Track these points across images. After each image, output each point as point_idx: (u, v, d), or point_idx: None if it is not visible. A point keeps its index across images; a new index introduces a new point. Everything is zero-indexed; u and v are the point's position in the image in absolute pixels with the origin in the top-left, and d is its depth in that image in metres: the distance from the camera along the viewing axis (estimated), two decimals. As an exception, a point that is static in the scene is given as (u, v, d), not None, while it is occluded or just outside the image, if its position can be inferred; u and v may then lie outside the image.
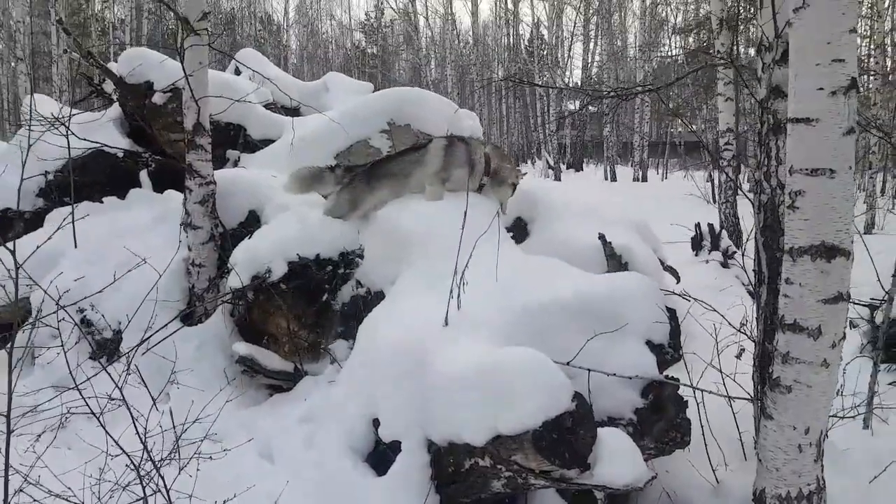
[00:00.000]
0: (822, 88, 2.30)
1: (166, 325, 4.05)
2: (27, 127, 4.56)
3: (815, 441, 2.61)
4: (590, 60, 26.40)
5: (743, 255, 3.71)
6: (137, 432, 2.51)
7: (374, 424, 3.13)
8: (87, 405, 2.61)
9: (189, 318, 4.32)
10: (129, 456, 2.52)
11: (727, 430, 3.44)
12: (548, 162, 23.46)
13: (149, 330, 4.06)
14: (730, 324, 3.44)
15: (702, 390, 2.92)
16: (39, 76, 18.97)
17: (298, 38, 35.52)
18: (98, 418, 2.55)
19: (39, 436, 3.24)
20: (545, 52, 24.41)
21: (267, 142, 5.71)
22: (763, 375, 3.28)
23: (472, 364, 2.72)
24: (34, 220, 5.32)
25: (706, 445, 3.22)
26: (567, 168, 26.88)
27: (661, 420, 2.98)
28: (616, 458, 2.58)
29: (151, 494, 2.51)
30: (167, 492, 2.57)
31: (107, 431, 2.54)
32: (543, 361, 2.63)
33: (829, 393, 2.57)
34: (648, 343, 3.08)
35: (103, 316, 4.23)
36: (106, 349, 4.27)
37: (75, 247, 4.69)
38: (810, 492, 2.65)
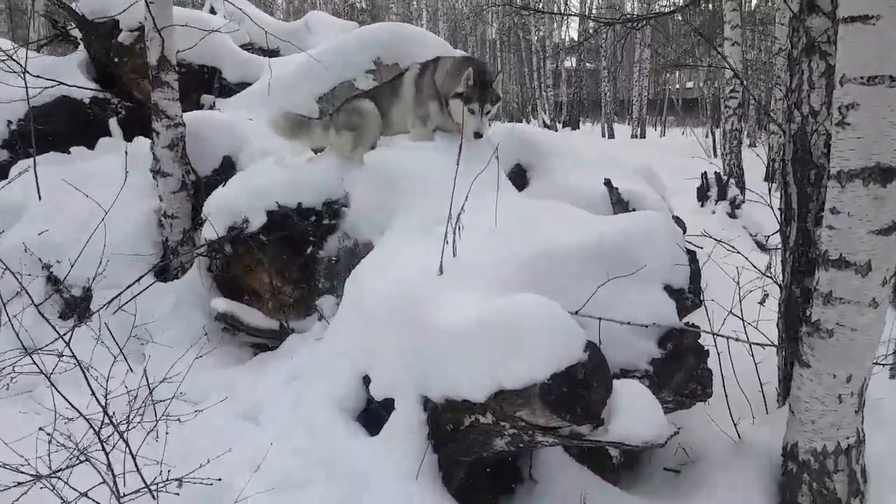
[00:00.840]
0: (884, -24, 1.95)
1: (138, 280, 3.75)
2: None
3: (856, 390, 2.34)
4: (587, 12, 25.61)
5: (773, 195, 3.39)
6: (93, 393, 2.21)
7: (365, 381, 2.85)
8: (36, 364, 2.31)
9: (164, 273, 4.00)
10: (86, 419, 2.23)
11: (748, 382, 3.17)
12: (544, 121, 22.92)
13: (120, 286, 3.77)
14: (754, 266, 3.15)
15: (725, 337, 2.64)
16: (18, 37, 18.15)
17: (284, -9, 34.34)
18: (48, 377, 2.25)
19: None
20: (541, 4, 23.58)
21: (244, 85, 5.31)
22: (789, 322, 3.01)
23: (470, 313, 2.42)
24: (-2, 173, 4.95)
25: (727, 398, 2.96)
26: (563, 126, 26.33)
27: (681, 371, 2.69)
28: (634, 412, 2.30)
29: (111, 451, 2.21)
30: (133, 458, 2.29)
31: (57, 390, 2.24)
32: (551, 308, 2.33)
33: (876, 336, 2.29)
34: (667, 288, 2.77)
35: (71, 265, 3.89)
36: (76, 308, 3.96)
37: (39, 199, 4.33)
38: (849, 445, 2.39)
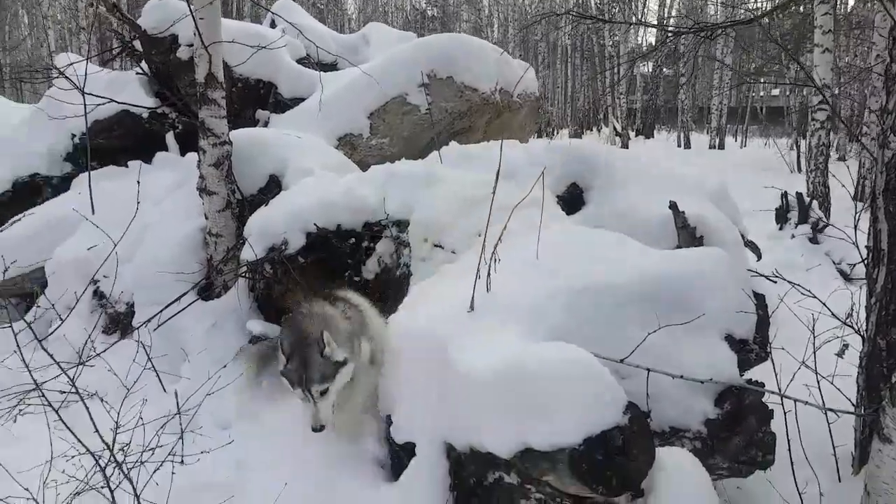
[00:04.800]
0: None
1: (178, 298, 3.73)
2: (49, 84, 4.29)
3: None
4: (665, 16, 24.67)
5: (857, 226, 2.98)
6: (96, 429, 2.13)
7: (387, 422, 2.68)
8: (44, 395, 2.26)
9: (207, 291, 3.98)
10: (93, 455, 2.16)
11: (819, 441, 2.78)
12: (615, 128, 22.21)
13: (164, 303, 3.78)
14: (832, 314, 2.76)
15: (794, 399, 2.30)
16: (72, 45, 18.88)
17: (356, 2, 34.97)
18: (56, 411, 2.20)
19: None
20: (616, 10, 22.90)
21: (298, 100, 5.28)
22: (870, 380, 2.63)
23: (499, 362, 2.19)
24: (62, 185, 5.13)
25: (792, 464, 2.59)
26: (636, 135, 25.45)
27: (739, 434, 2.38)
28: (679, 486, 2.03)
29: (115, 488, 2.12)
30: (136, 499, 2.21)
31: (65, 425, 2.18)
32: (588, 362, 2.08)
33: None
34: (728, 337, 2.47)
35: (111, 284, 3.93)
36: (119, 323, 3.99)
37: (93, 213, 4.42)
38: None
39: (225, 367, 3.36)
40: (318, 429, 2.44)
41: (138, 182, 3.78)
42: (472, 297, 2.55)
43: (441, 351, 2.43)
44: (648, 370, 2.34)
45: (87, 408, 2.14)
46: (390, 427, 2.61)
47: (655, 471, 2.03)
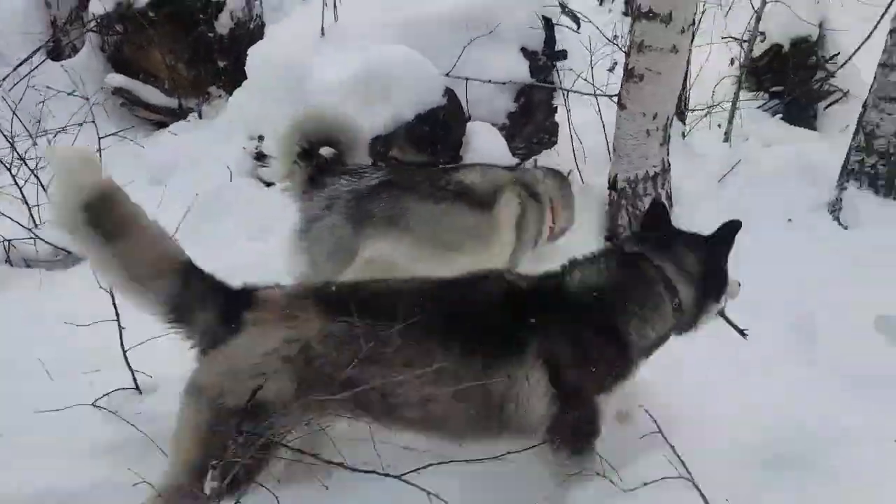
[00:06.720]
0: None
1: (30, 56, 3.79)
2: None
3: (661, 126, 2.89)
4: None
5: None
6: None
7: (259, 140, 3.20)
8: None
9: (56, 53, 4.02)
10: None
11: (598, 144, 3.69)
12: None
13: (12, 65, 3.81)
14: (603, 35, 3.56)
15: (567, 90, 3.11)
16: None
17: None
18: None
19: None
20: None
21: None
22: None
23: (350, 67, 2.75)
24: None
25: (574, 151, 3.49)
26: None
27: (531, 123, 3.20)
28: (484, 148, 2.82)
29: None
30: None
31: None
32: (418, 58, 2.71)
33: (677, 80, 2.80)
34: (523, 50, 3.18)
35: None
36: (-31, 86, 3.96)
37: None
38: (656, 173, 3.00)
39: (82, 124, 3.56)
40: None
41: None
42: (322, 25, 3.01)
43: (301, 73, 2.92)
44: (467, 79, 3.03)
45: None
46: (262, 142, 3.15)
47: (469, 139, 2.79)
